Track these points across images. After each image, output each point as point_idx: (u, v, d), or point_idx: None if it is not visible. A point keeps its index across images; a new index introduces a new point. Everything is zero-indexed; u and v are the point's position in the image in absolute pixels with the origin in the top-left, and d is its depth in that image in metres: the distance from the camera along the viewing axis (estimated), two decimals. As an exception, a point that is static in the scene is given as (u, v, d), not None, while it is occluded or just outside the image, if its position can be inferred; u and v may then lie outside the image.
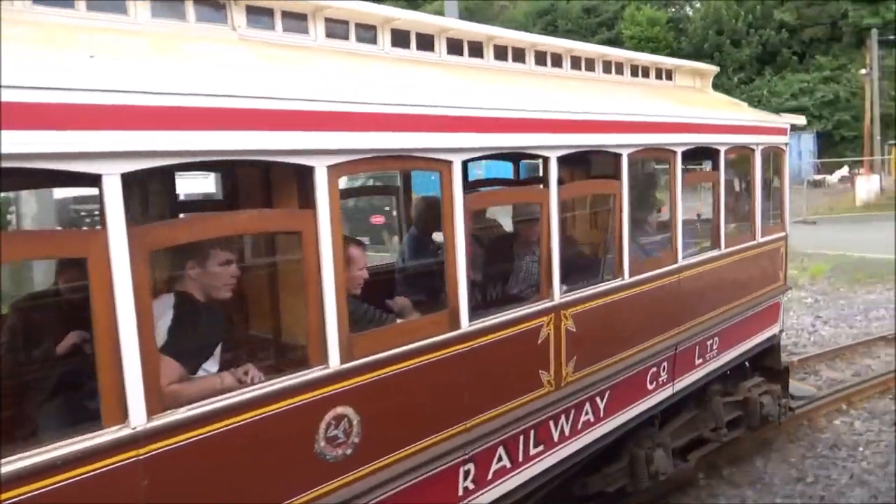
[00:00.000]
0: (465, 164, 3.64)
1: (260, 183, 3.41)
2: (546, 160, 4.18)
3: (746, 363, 7.42)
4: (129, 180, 2.38)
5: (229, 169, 3.60)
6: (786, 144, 7.26)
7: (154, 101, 2.41)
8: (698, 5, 36.88)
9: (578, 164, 6.60)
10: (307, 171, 2.95)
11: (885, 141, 31.39)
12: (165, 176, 4.00)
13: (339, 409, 3.10)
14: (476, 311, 3.85)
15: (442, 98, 3.58)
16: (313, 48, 3.54)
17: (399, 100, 3.28)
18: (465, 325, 3.69)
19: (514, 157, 6.67)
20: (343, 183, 3.11)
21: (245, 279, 3.50)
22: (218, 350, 3.12)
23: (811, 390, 8.01)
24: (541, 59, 5.04)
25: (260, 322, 3.55)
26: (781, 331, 7.71)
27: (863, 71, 24.07)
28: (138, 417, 2.43)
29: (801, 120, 7.61)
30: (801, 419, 7.90)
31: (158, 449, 2.48)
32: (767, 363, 7.61)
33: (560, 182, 4.30)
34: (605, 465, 5.39)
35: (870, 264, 15.99)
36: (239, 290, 3.46)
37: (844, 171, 32.19)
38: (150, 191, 3.99)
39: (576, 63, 5.35)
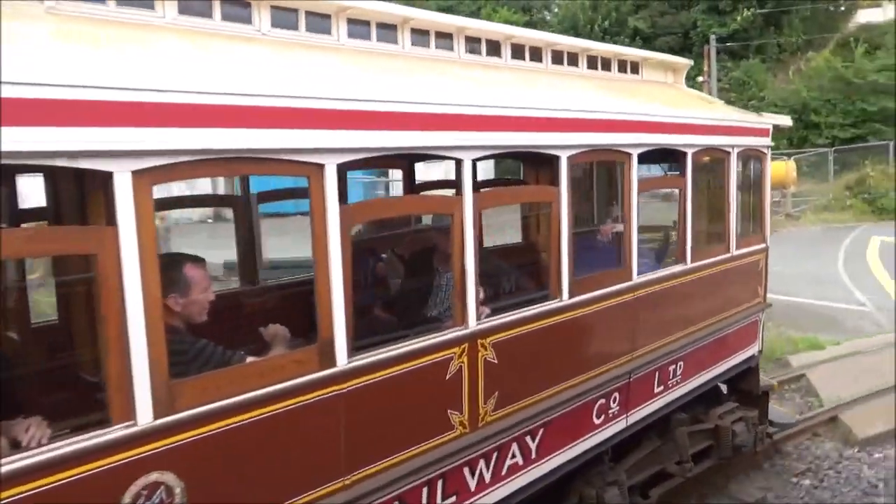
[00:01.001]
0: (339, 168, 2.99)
1: (75, 192, 2.76)
2: (459, 162, 3.54)
3: (723, 386, 6.78)
4: None
5: (51, 174, 2.97)
6: (767, 147, 6.58)
7: None
8: (556, 10, 36.44)
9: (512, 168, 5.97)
10: (103, 177, 2.32)
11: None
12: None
13: (154, 476, 2.47)
14: (364, 342, 3.22)
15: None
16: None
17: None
18: (343, 361, 3.05)
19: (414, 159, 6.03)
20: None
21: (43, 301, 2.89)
22: None
23: (792, 416, 7.34)
24: (473, 46, 4.39)
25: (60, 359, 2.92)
26: (760, 351, 7.04)
27: (700, 78, 23.63)
28: None
29: (786, 120, 6.93)
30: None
31: None
32: (745, 387, 6.95)
33: (479, 188, 3.67)
34: None
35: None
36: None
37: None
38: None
39: (518, 52, 4.69)
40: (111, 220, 2.36)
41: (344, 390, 3.07)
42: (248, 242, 4.82)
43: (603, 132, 4.41)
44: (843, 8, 34.48)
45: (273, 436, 2.83)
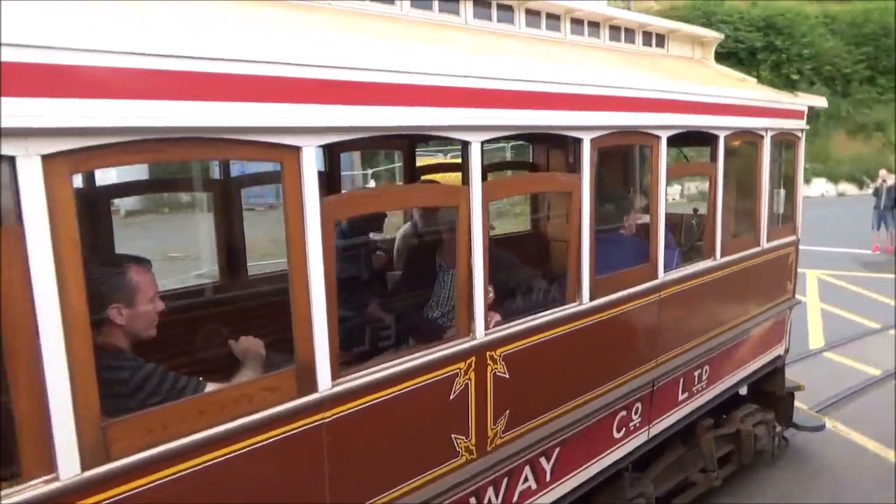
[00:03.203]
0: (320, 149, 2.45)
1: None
2: (466, 145, 2.99)
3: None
4: None
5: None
6: (802, 130, 6.00)
7: None
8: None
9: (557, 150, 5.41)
10: (10, 161, 1.77)
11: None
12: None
13: (82, 540, 1.96)
14: (351, 360, 2.70)
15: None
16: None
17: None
18: (325, 385, 2.53)
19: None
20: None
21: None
22: None
23: (820, 420, 6.83)
24: (482, 11, 3.82)
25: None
26: (787, 350, 6.53)
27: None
28: None
29: (822, 101, 6.34)
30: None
31: None
32: (769, 388, 6.45)
33: (487, 175, 3.12)
34: None
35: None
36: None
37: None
38: None
39: (533, 19, 4.12)
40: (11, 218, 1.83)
41: (328, 419, 2.55)
42: (230, 233, 4.28)
43: (630, 112, 3.85)
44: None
45: (238, 481, 2.31)
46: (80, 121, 1.84)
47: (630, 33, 4.91)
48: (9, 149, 1.74)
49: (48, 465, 1.90)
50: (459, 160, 3.11)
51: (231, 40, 2.32)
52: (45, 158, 1.80)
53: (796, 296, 6.39)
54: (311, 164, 2.39)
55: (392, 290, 4.29)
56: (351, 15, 3.19)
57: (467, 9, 3.74)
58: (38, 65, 1.75)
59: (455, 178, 4.11)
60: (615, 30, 4.77)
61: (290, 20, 2.85)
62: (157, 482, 2.10)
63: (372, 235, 5.19)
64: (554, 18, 4.27)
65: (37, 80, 1.76)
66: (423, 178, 5.53)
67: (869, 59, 22.77)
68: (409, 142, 5.35)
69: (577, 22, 4.44)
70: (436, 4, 3.59)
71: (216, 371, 2.75)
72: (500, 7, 3.92)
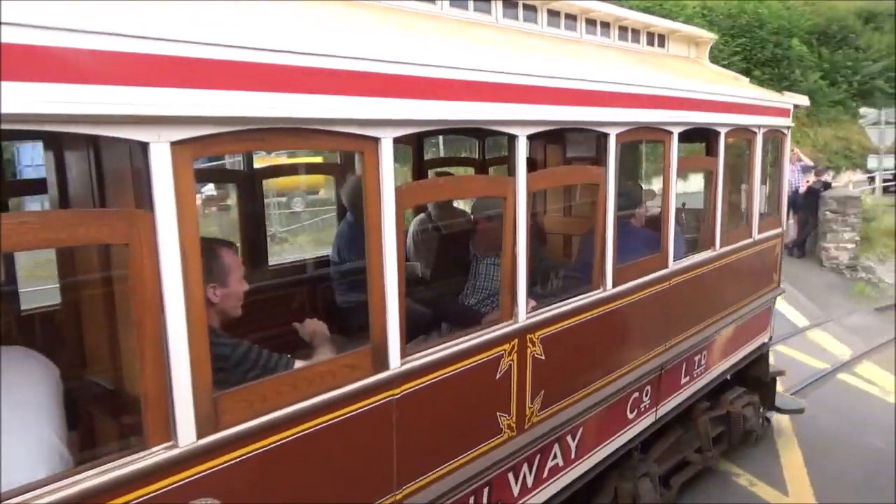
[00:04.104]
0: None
1: (87, 166, 2.30)
2: (512, 139, 3.17)
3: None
4: None
5: (57, 142, 2.49)
6: (788, 128, 6.35)
7: None
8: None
9: (553, 145, 5.64)
10: (143, 147, 1.89)
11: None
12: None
13: (195, 504, 2.09)
14: (410, 340, 2.86)
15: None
16: None
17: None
18: (395, 364, 2.69)
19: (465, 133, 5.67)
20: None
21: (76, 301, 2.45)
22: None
23: (801, 403, 7.22)
24: (510, 11, 4.00)
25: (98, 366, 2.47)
26: (771, 338, 6.89)
27: None
28: None
29: (804, 100, 6.70)
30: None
31: None
32: (754, 373, 6.79)
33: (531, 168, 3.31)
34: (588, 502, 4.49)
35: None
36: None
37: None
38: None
39: (553, 18, 4.31)
40: (144, 201, 1.94)
41: (397, 396, 2.71)
42: (254, 223, 4.38)
43: (649, 109, 4.08)
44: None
45: (325, 450, 2.46)
46: (203, 110, 1.96)
47: (636, 33, 5.15)
48: (143, 135, 1.86)
49: (168, 433, 2.02)
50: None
51: (312, 35, 2.45)
52: (174, 145, 1.92)
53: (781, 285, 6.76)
54: (389, 154, 2.54)
55: (421, 279, 4.44)
56: (396, 12, 3.33)
57: (497, 8, 3.91)
58: (172, 57, 1.87)
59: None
60: (623, 30, 5.00)
61: (348, 17, 2.98)
62: (257, 451, 2.24)
63: None
64: (571, 18, 4.48)
65: (169, 71, 1.87)
66: (434, 172, 5.70)
67: (744, 50, 23.71)
68: (417, 137, 5.51)
69: (591, 22, 4.65)
70: (471, 4, 3.75)
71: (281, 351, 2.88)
72: (526, 7, 4.11)
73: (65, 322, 2.58)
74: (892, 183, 20.55)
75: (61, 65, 1.65)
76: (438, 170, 5.69)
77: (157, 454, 1.99)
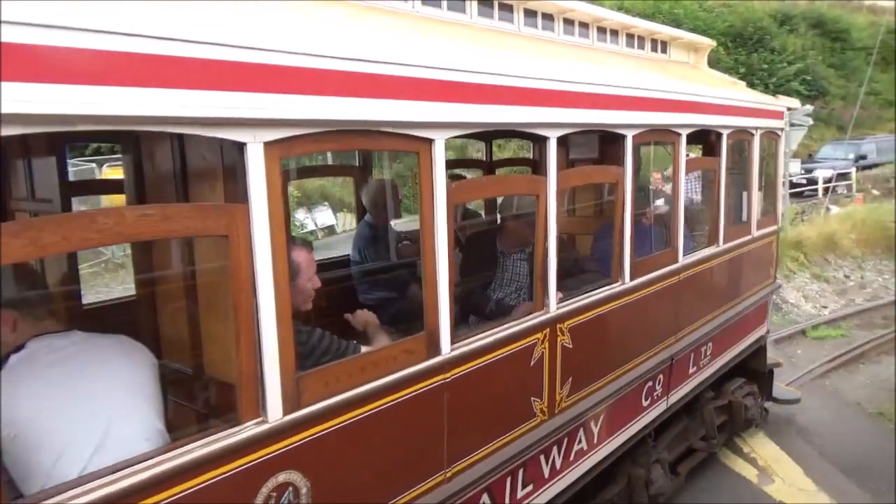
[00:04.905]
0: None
1: (172, 164, 2.48)
2: (544, 140, 3.39)
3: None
4: None
5: (136, 140, 2.67)
6: (781, 129, 6.65)
7: None
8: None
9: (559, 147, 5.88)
10: (240, 147, 2.08)
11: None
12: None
13: (283, 476, 2.27)
14: (456, 329, 3.06)
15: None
16: None
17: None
18: (446, 349, 2.89)
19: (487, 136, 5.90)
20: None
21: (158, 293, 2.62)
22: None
23: (796, 394, 7.52)
24: (530, 20, 4.22)
25: (173, 351, 2.64)
26: (768, 331, 7.18)
27: None
28: None
29: (795, 103, 7.02)
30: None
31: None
32: (752, 365, 7.07)
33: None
34: (601, 490, 4.70)
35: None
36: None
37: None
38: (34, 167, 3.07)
39: (569, 27, 4.55)
40: (236, 196, 2.13)
41: (448, 379, 2.90)
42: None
43: (661, 112, 4.33)
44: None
45: (387, 429, 2.65)
46: (291, 113, 2.15)
47: (641, 40, 5.40)
48: (241, 136, 2.05)
49: (258, 410, 2.20)
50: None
51: (370, 44, 2.64)
52: (266, 145, 2.11)
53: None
54: (441, 154, 2.74)
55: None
56: (431, 21, 3.54)
57: (519, 19, 4.13)
58: (268, 65, 2.06)
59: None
60: (630, 37, 5.24)
61: (393, 25, 3.19)
62: (331, 428, 2.42)
63: (393, 224, 5.52)
64: (584, 26, 4.71)
65: (264, 78, 2.06)
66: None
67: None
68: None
69: (601, 30, 4.89)
70: (496, 13, 3.97)
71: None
72: (544, 16, 4.34)
73: (139, 313, 2.74)
74: (802, 188, 20.36)
75: (184, 72, 1.83)
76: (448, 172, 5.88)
77: (248, 429, 2.17)
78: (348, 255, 5.15)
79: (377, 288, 4.79)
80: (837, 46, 32.08)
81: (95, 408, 2.00)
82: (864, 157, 24.07)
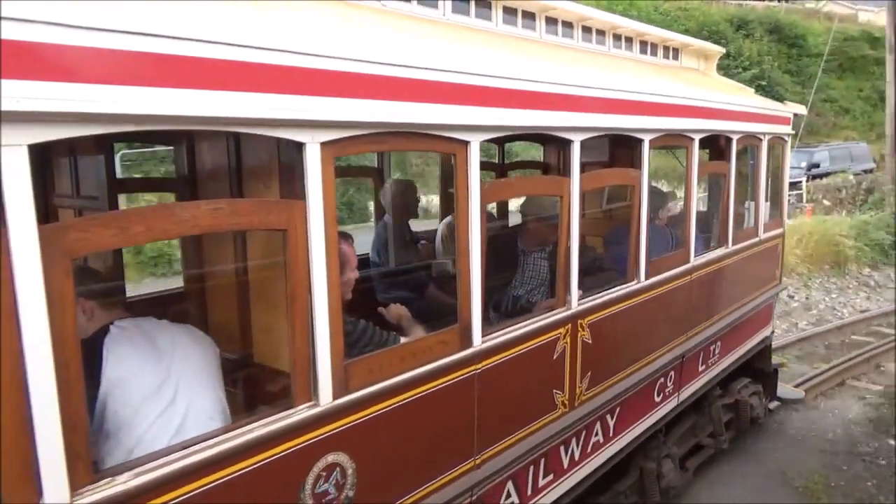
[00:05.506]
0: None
1: (227, 162, 2.63)
2: (569, 143, 3.53)
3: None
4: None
5: (189, 140, 2.81)
6: (788, 135, 6.80)
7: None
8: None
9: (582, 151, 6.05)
10: (298, 147, 2.23)
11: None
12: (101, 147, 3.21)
13: (331, 457, 2.41)
14: (485, 322, 3.21)
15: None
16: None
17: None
18: (478, 341, 3.03)
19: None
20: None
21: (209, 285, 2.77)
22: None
23: (800, 393, 7.67)
24: (551, 28, 4.37)
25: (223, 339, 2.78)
26: (773, 332, 7.33)
27: None
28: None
29: (802, 109, 7.17)
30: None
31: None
32: (757, 364, 7.22)
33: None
34: (614, 482, 4.85)
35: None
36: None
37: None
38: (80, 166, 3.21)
39: (587, 34, 4.70)
40: (292, 193, 2.27)
41: (479, 370, 3.05)
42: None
43: (676, 117, 4.48)
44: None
45: (425, 415, 2.79)
46: (346, 115, 2.29)
47: (654, 47, 5.55)
48: (301, 136, 2.19)
49: (310, 394, 2.34)
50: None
51: (407, 50, 2.79)
52: (323, 145, 2.25)
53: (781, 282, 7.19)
54: (476, 156, 2.89)
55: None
56: (461, 28, 3.68)
57: (541, 26, 4.28)
58: (324, 70, 2.21)
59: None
60: (643, 44, 5.40)
61: (426, 33, 3.33)
62: (375, 413, 2.56)
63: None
64: (600, 34, 4.87)
65: (322, 82, 2.21)
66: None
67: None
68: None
69: (617, 37, 5.04)
70: (519, 21, 4.12)
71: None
72: (564, 24, 4.49)
73: (189, 304, 2.89)
74: None
75: (250, 76, 1.98)
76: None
77: (301, 412, 2.32)
78: (367, 254, 5.30)
79: (395, 288, 4.93)
80: (794, 52, 31.66)
81: (173, 375, 2.17)
82: (816, 166, 23.34)
